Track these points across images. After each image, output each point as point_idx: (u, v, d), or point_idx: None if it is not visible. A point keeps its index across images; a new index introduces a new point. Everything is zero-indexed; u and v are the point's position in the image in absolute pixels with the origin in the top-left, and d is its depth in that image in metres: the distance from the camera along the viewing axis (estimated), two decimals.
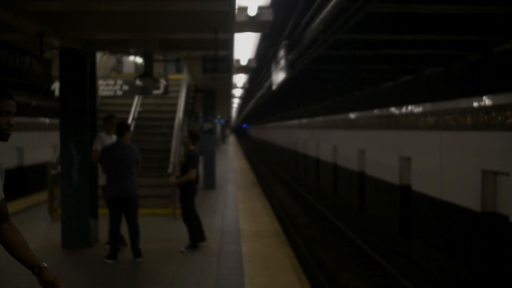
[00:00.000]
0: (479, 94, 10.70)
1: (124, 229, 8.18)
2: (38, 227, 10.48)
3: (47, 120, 20.46)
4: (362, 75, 14.52)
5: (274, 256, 8.31)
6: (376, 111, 17.57)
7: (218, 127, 44.95)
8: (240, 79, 16.42)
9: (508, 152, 9.59)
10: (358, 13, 6.69)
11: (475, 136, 10.75)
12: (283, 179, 31.17)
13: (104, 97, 15.20)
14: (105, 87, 13.86)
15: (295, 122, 37.27)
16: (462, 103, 11.35)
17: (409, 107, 14.46)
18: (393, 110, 15.75)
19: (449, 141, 11.94)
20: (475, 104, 10.77)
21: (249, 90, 22.34)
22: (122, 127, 7.99)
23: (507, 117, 9.60)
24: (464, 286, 10.46)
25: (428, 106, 13.15)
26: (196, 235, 8.70)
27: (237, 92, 22.10)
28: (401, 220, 15.07)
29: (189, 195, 8.70)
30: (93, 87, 9.04)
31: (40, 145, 19.82)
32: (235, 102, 32.60)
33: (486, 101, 10.34)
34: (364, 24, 8.06)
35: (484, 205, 10.50)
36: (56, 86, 10.70)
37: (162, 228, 10.58)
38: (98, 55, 13.87)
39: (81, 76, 8.56)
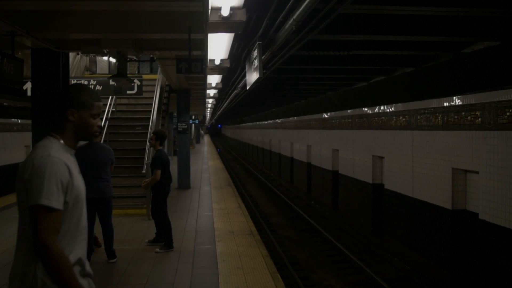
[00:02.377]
0: (449, 94, 10.89)
1: (97, 230, 8.14)
2: (10, 229, 10.34)
3: (19, 121, 20.19)
4: (335, 75, 14.63)
5: (249, 255, 8.35)
6: (349, 111, 17.73)
7: (193, 127, 44.82)
8: (214, 79, 16.40)
9: (477, 151, 9.78)
10: (330, 14, 6.75)
11: (446, 135, 10.93)
12: (257, 179, 31.21)
13: None
14: None
15: (270, 122, 37.36)
16: (433, 103, 11.54)
17: (382, 107, 14.63)
18: (366, 110, 15.91)
19: (421, 141, 12.12)
20: (446, 104, 10.96)
21: (223, 90, 22.33)
22: None
23: (476, 117, 9.79)
24: (436, 281, 10.63)
25: (400, 106, 13.33)
26: (168, 235, 8.70)
27: (212, 92, 22.05)
28: (374, 218, 15.26)
29: (160, 196, 8.72)
30: None
31: (12, 146, 19.55)
32: (210, 102, 32.51)
33: (456, 101, 10.53)
34: (336, 25, 8.14)
35: (455, 203, 10.70)
36: (28, 86, 10.59)
37: (136, 228, 10.54)
38: (71, 55, 13.77)
39: (54, 76, 8.48)
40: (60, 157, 2.56)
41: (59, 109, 2.71)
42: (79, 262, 2.61)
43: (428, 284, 10.49)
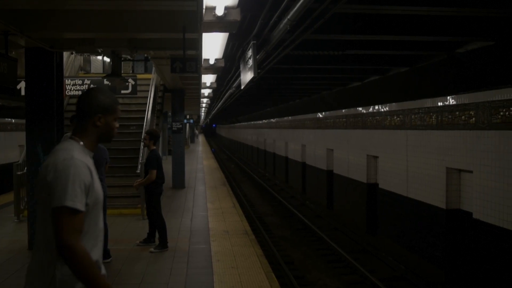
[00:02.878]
0: (443, 94, 10.91)
1: None
2: (4, 228, 10.31)
3: (13, 120, 20.11)
4: (329, 75, 14.65)
5: (243, 255, 8.35)
6: (343, 111, 17.75)
7: (187, 127, 44.79)
8: (209, 79, 16.40)
9: (471, 151, 9.81)
10: (325, 13, 6.76)
11: (440, 135, 10.96)
12: (252, 178, 31.22)
13: (72, 97, 15.03)
14: (73, 87, 13.70)
15: (264, 121, 37.37)
16: (427, 103, 11.56)
17: (376, 107, 14.65)
18: (360, 109, 15.94)
19: (415, 140, 12.14)
20: (440, 104, 10.98)
21: (218, 90, 22.32)
22: None
23: (470, 117, 9.82)
24: (430, 281, 10.65)
25: (394, 106, 13.36)
26: (163, 235, 8.69)
27: (206, 92, 22.04)
28: (368, 217, 15.28)
29: (154, 196, 8.72)
30: (60, 87, 8.93)
31: (6, 146, 19.47)
32: (204, 102, 32.49)
33: (450, 100, 10.56)
34: (331, 25, 8.16)
35: (449, 202, 10.73)
36: (22, 86, 10.54)
37: (130, 228, 10.52)
38: (65, 54, 13.72)
39: (48, 76, 8.45)
40: (83, 160, 2.60)
41: (85, 115, 2.75)
42: (96, 263, 2.64)
43: (423, 284, 10.52)
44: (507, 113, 8.70)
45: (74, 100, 15.89)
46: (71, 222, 2.47)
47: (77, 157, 2.58)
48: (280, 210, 19.94)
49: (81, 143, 2.72)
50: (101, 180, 7.74)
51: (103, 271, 2.73)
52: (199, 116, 55.25)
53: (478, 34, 8.89)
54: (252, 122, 46.26)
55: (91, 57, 20.12)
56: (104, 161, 7.90)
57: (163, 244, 8.62)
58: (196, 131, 74.48)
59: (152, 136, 8.81)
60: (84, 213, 2.55)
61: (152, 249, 8.54)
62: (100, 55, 12.52)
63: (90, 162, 2.69)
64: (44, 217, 2.57)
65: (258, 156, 41.03)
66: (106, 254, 7.88)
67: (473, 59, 10.21)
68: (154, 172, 8.59)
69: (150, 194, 8.77)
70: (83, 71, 18.93)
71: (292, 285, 10.41)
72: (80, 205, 2.50)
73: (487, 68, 10.16)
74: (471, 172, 9.97)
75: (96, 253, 2.65)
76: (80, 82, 13.76)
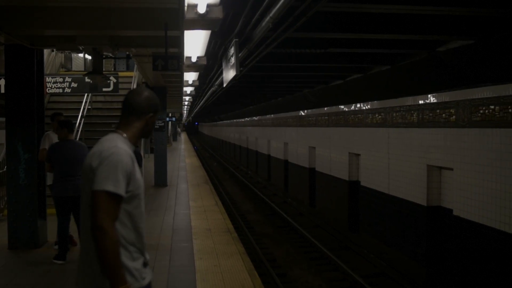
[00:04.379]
0: (424, 92, 11.00)
1: (72, 229, 8.06)
2: None
3: None
4: (312, 73, 14.69)
5: (226, 253, 8.35)
6: (326, 109, 17.82)
7: (170, 125, 44.61)
8: (191, 77, 16.34)
9: (452, 148, 9.90)
10: (307, 11, 6.78)
11: (421, 132, 11.05)
12: (235, 176, 31.21)
13: (52, 94, 14.91)
14: (53, 85, 13.59)
15: (247, 119, 37.36)
16: (408, 101, 11.65)
17: (358, 105, 14.72)
18: (343, 107, 16.00)
19: (396, 138, 12.23)
20: (421, 102, 11.07)
21: (200, 87, 22.26)
22: (70, 124, 7.84)
23: (451, 114, 9.91)
24: (412, 277, 10.74)
25: (376, 104, 13.43)
26: None
27: (188, 90, 21.97)
28: (350, 215, 15.37)
29: None
30: (41, 85, 8.85)
31: None
32: (187, 100, 32.37)
33: (431, 99, 10.65)
34: (313, 23, 8.17)
35: (430, 199, 10.84)
36: (1, 83, 10.43)
37: None
38: (46, 51, 13.58)
39: (28, 73, 8.36)
40: (126, 149, 2.79)
41: (136, 112, 2.95)
42: (133, 246, 2.79)
43: (404, 280, 10.60)
44: (486, 111, 8.80)
45: (55, 98, 15.77)
46: (109, 206, 2.62)
47: (120, 146, 2.76)
48: (263, 208, 19.97)
49: (125, 135, 2.90)
50: (78, 179, 7.72)
51: (147, 256, 2.92)
52: (181, 114, 55.10)
53: (458, 33, 8.97)
54: (234, 120, 46.24)
55: (72, 55, 19.96)
56: (81, 158, 7.85)
57: None
58: (179, 129, 74.23)
59: None
60: (124, 199, 2.70)
61: None
62: (81, 52, 12.44)
63: (132, 152, 2.87)
64: (86, 202, 2.73)
65: (240, 154, 41.02)
66: None
67: (453, 58, 10.31)
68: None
69: None
70: (64, 68, 18.77)
71: (275, 283, 10.44)
72: (121, 191, 2.66)
73: (467, 66, 10.26)
74: (451, 169, 10.07)
75: (134, 236, 2.79)
76: (61, 79, 13.65)
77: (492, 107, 8.65)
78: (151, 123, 3.01)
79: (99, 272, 2.64)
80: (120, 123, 2.97)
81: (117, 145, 2.76)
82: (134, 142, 2.95)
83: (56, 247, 7.95)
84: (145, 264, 2.87)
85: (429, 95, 10.73)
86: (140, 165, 8.63)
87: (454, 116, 9.81)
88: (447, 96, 10.06)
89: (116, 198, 2.65)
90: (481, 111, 8.95)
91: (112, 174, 2.64)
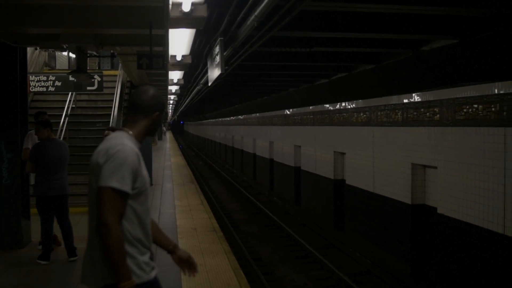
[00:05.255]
0: (409, 91, 11.06)
1: (56, 229, 8.01)
2: None
3: None
4: (297, 72, 14.71)
5: (211, 252, 8.34)
6: (311, 108, 17.85)
7: None
8: (176, 75, 16.30)
9: (436, 147, 9.97)
10: (292, 10, 6.78)
11: (405, 131, 11.11)
12: (220, 175, 31.17)
13: (36, 93, 14.78)
14: (37, 83, 13.48)
15: (232, 118, 37.33)
16: (393, 100, 11.71)
17: (343, 104, 14.77)
18: (328, 106, 16.04)
19: (381, 137, 12.29)
20: (405, 101, 11.13)
21: (185, 86, 22.21)
22: (49, 123, 7.78)
23: (435, 113, 9.98)
24: (396, 275, 10.80)
25: (361, 103, 13.48)
26: None
27: (174, 89, 21.90)
28: (335, 213, 15.42)
29: None
30: (24, 83, 8.77)
31: None
32: (172, 99, 32.28)
33: (416, 97, 10.71)
34: (298, 22, 8.18)
35: (414, 198, 10.90)
36: None
37: None
38: (29, 50, 13.46)
39: (11, 72, 8.27)
40: (132, 146, 2.82)
41: (143, 110, 2.99)
42: (140, 242, 2.85)
43: (389, 278, 10.66)
44: (470, 110, 8.87)
45: (39, 97, 15.64)
46: (114, 203, 2.66)
47: (127, 144, 2.79)
48: (248, 207, 19.96)
49: (131, 133, 2.94)
50: (66, 176, 7.68)
51: (152, 251, 3.01)
52: (166, 113, 54.93)
53: (442, 32, 9.03)
54: (220, 119, 46.18)
55: (56, 53, 19.81)
56: (68, 157, 7.81)
57: None
58: (164, 128, 73.98)
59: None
60: (130, 196, 2.73)
61: None
62: (65, 51, 12.29)
63: (138, 150, 2.91)
64: (93, 198, 2.76)
65: (226, 153, 40.98)
66: (72, 251, 7.79)
67: (437, 57, 10.37)
68: None
69: None
70: (48, 67, 18.62)
71: (261, 282, 10.44)
72: (126, 188, 2.69)
73: (451, 66, 10.33)
74: (435, 168, 10.13)
75: (141, 232, 2.84)
76: (44, 78, 13.54)
77: (476, 106, 8.73)
78: (157, 121, 3.05)
79: (105, 267, 2.69)
80: (127, 121, 3.02)
81: (124, 142, 2.79)
82: (140, 140, 2.99)
83: (40, 247, 7.89)
84: (151, 258, 2.94)
85: (413, 94, 10.79)
86: None
87: (438, 115, 9.87)
88: (431, 95, 10.13)
89: (121, 195, 2.68)
90: (465, 110, 9.02)
91: (118, 171, 2.68)
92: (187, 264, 3.28)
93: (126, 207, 2.74)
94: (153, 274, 2.89)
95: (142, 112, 2.98)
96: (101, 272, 2.71)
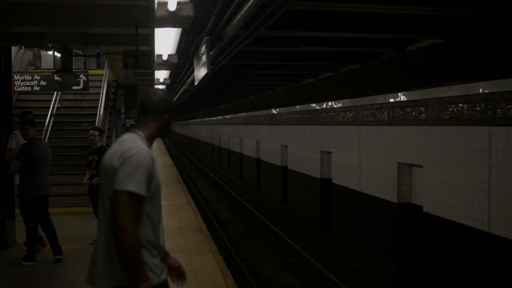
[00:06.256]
0: (394, 91, 11.11)
1: (40, 229, 7.96)
2: None
3: None
4: (283, 71, 14.73)
5: (198, 251, 8.32)
6: (297, 107, 17.87)
7: None
8: (162, 75, 16.25)
9: (421, 146, 10.02)
10: (278, 10, 6.79)
11: (391, 130, 11.16)
12: (207, 175, 31.12)
13: (21, 92, 14.68)
14: (22, 83, 13.40)
15: (219, 118, 37.27)
16: (379, 99, 11.75)
17: (329, 103, 14.80)
18: (314, 106, 16.07)
19: (367, 136, 12.33)
20: (391, 100, 11.18)
21: (171, 86, 22.15)
22: (34, 122, 7.74)
23: (420, 112, 10.03)
24: (383, 273, 10.84)
25: (347, 102, 13.52)
26: None
27: (160, 88, 21.85)
28: (322, 212, 15.45)
29: None
30: (8, 83, 8.69)
31: None
32: None
33: (401, 97, 10.76)
34: (285, 21, 8.19)
35: (400, 196, 10.95)
36: None
37: (83, 227, 10.34)
38: (14, 49, 13.34)
39: None
40: (147, 149, 2.85)
41: (154, 112, 3.01)
42: (151, 244, 2.84)
43: (375, 276, 10.71)
44: (455, 109, 8.93)
45: (24, 96, 15.53)
46: (130, 206, 2.66)
47: (142, 147, 2.82)
48: (235, 206, 19.96)
49: (142, 135, 2.95)
50: (48, 177, 7.65)
51: (165, 250, 3.10)
52: None
53: (428, 32, 9.07)
54: (206, 119, 46.09)
55: (41, 52, 19.68)
56: (50, 157, 7.79)
57: None
58: None
59: (102, 132, 8.80)
60: (145, 199, 2.75)
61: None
62: (50, 50, 12.23)
63: (152, 152, 2.91)
64: (107, 201, 2.78)
65: (213, 153, 40.92)
66: (58, 249, 7.75)
67: (422, 57, 10.43)
68: None
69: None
70: (33, 66, 18.50)
71: (247, 281, 10.44)
72: (142, 191, 2.70)
73: (436, 65, 10.39)
74: (421, 167, 10.19)
75: (152, 234, 2.84)
76: (29, 77, 13.46)
77: (461, 105, 8.78)
78: (167, 123, 3.08)
79: (121, 268, 2.69)
80: (138, 123, 3.02)
81: (139, 145, 2.82)
82: (151, 142, 3.01)
83: (25, 248, 7.83)
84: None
85: (399, 94, 10.84)
86: None
87: (423, 114, 9.92)
88: (417, 95, 10.18)
89: (137, 198, 2.69)
90: (450, 109, 9.07)
91: (134, 174, 2.69)
92: (176, 273, 3.24)
93: (141, 209, 2.76)
94: (163, 276, 2.89)
95: (153, 114, 3.00)
96: (113, 273, 2.72)
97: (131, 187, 2.66)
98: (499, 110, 7.86)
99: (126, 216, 2.64)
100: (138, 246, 2.67)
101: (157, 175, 2.87)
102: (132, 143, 2.82)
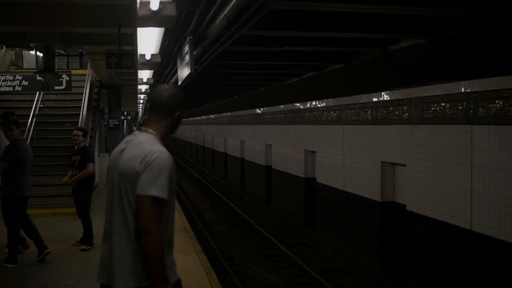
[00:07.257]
0: (378, 90, 11.16)
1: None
2: None
3: None
4: (267, 71, 14.72)
5: (182, 252, 8.30)
6: (281, 107, 17.90)
7: (125, 124, 44.03)
8: (145, 75, 16.17)
9: (405, 145, 10.09)
10: (262, 9, 6.77)
11: (375, 129, 11.22)
12: (191, 175, 31.06)
13: (2, 93, 14.53)
14: (3, 83, 13.27)
15: (203, 117, 37.22)
16: (362, 99, 11.81)
17: (313, 103, 14.84)
18: (298, 105, 16.11)
19: (351, 135, 12.38)
20: (375, 99, 11.24)
21: (155, 85, 22.04)
22: (18, 122, 7.68)
23: (403, 112, 10.09)
24: (367, 272, 10.89)
25: (331, 102, 13.57)
26: (90, 232, 8.62)
27: (143, 88, 21.74)
28: (306, 212, 15.49)
29: (88, 191, 8.64)
30: None
31: None
32: (142, 98, 32.00)
33: (385, 96, 10.82)
34: (268, 21, 8.18)
35: (384, 195, 11.02)
36: None
37: (66, 228, 10.26)
38: None
39: None
40: (167, 152, 2.80)
41: (165, 110, 2.95)
42: (172, 246, 2.89)
43: (360, 275, 10.75)
44: (438, 108, 9.00)
45: (5, 97, 15.37)
46: (155, 211, 2.67)
47: (163, 150, 2.78)
48: (220, 206, 19.94)
49: (156, 134, 2.93)
50: (29, 178, 7.59)
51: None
52: (136, 113, 54.44)
53: (410, 31, 9.12)
54: (191, 119, 45.99)
55: (23, 52, 19.50)
56: (32, 158, 7.74)
57: (90, 242, 8.56)
58: (134, 128, 73.33)
59: (86, 133, 8.76)
60: (167, 202, 2.75)
61: (83, 247, 8.45)
62: (32, 49, 12.14)
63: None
64: (126, 203, 2.76)
65: (197, 153, 40.83)
66: (44, 247, 7.72)
67: (406, 56, 10.48)
68: (92, 165, 8.47)
69: (86, 190, 8.62)
70: (15, 66, 18.33)
71: (232, 281, 10.43)
72: (165, 195, 2.70)
73: (419, 64, 10.45)
74: (404, 165, 10.25)
75: (168, 234, 2.86)
76: (11, 77, 13.33)
77: (443, 104, 8.85)
78: (178, 120, 3.04)
79: (141, 269, 2.71)
80: (149, 121, 2.98)
81: (160, 148, 2.78)
82: (164, 140, 2.98)
83: (7, 250, 7.75)
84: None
85: (382, 93, 10.90)
86: (92, 160, 8.56)
87: (406, 113, 9.99)
88: (400, 94, 10.24)
89: (160, 203, 2.69)
90: (433, 108, 9.14)
91: (157, 179, 2.68)
92: None
93: (163, 213, 2.76)
94: (178, 274, 2.91)
95: (164, 112, 2.95)
96: (133, 274, 2.72)
97: (155, 192, 2.66)
98: (481, 109, 7.94)
99: (151, 220, 2.64)
100: (162, 250, 2.68)
101: (175, 176, 2.87)
102: (152, 146, 2.78)
